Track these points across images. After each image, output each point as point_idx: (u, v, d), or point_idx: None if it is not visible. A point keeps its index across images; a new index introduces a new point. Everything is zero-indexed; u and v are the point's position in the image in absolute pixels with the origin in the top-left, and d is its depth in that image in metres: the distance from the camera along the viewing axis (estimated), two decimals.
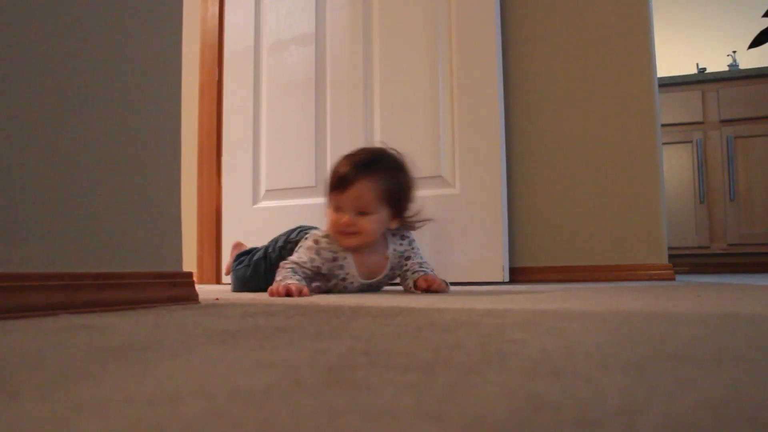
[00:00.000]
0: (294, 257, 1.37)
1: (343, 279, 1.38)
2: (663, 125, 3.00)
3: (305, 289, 1.21)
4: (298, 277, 1.30)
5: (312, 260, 1.34)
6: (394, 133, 1.97)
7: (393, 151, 1.40)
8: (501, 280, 1.80)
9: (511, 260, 1.89)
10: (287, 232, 1.60)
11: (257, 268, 1.59)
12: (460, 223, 1.85)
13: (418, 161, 1.94)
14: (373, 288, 1.44)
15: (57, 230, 0.80)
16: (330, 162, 2.04)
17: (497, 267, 1.81)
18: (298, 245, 1.43)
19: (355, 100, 2.03)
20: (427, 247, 1.85)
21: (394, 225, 1.39)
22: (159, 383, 0.31)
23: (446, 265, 1.84)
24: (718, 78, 3.08)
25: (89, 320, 0.67)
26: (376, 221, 1.32)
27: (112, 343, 0.47)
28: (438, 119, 1.92)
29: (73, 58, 0.84)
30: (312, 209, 1.94)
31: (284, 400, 0.26)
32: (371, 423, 0.22)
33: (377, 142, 1.99)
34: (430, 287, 1.31)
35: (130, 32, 0.94)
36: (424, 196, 1.90)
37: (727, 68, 3.43)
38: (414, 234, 1.49)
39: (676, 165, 3.08)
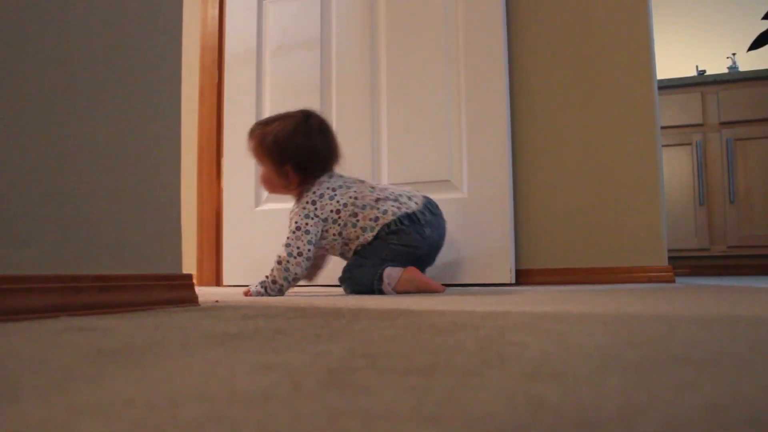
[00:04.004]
0: None
1: None
2: (663, 127, 3.00)
3: None
4: None
5: None
6: (401, 137, 1.97)
7: (298, 116, 1.55)
8: (508, 282, 1.81)
9: (516, 262, 1.89)
10: None
11: None
12: (468, 226, 1.85)
13: (425, 165, 1.95)
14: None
15: (56, 232, 0.80)
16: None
17: (505, 269, 1.82)
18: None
19: (362, 104, 2.03)
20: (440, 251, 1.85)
21: (293, 181, 1.52)
22: (158, 386, 0.31)
23: (455, 267, 1.84)
24: (717, 80, 3.08)
25: (89, 322, 0.67)
26: (264, 173, 1.57)
27: (111, 346, 0.47)
28: (446, 124, 1.93)
29: (73, 59, 0.84)
30: None
31: (284, 403, 0.26)
32: (371, 425, 0.22)
33: (384, 146, 1.99)
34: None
35: (129, 34, 0.94)
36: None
37: (726, 70, 3.43)
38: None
39: (675, 167, 3.08)
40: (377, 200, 1.48)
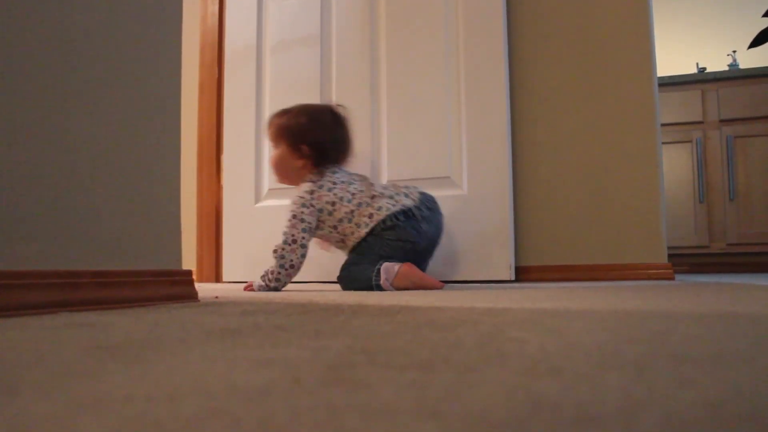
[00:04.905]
0: None
1: None
2: (663, 125, 3.00)
3: None
4: None
5: None
6: (401, 134, 1.97)
7: (322, 105, 1.67)
8: (508, 279, 1.81)
9: (515, 259, 1.90)
10: None
11: None
12: (468, 223, 1.85)
13: (425, 162, 1.95)
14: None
15: (56, 228, 0.80)
16: None
17: (504, 266, 1.82)
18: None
19: (362, 101, 2.02)
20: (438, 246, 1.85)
21: (307, 164, 1.55)
22: (158, 381, 0.31)
23: (455, 264, 1.84)
24: (717, 78, 3.08)
25: (88, 318, 0.67)
26: (276, 154, 1.60)
27: (111, 341, 0.47)
28: (446, 121, 1.93)
29: (72, 57, 0.84)
30: None
31: (283, 398, 0.26)
32: (370, 421, 0.22)
33: (384, 143, 1.99)
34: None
35: (129, 31, 0.94)
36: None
37: (727, 68, 3.43)
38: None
39: (675, 164, 3.08)
40: (373, 197, 1.50)
